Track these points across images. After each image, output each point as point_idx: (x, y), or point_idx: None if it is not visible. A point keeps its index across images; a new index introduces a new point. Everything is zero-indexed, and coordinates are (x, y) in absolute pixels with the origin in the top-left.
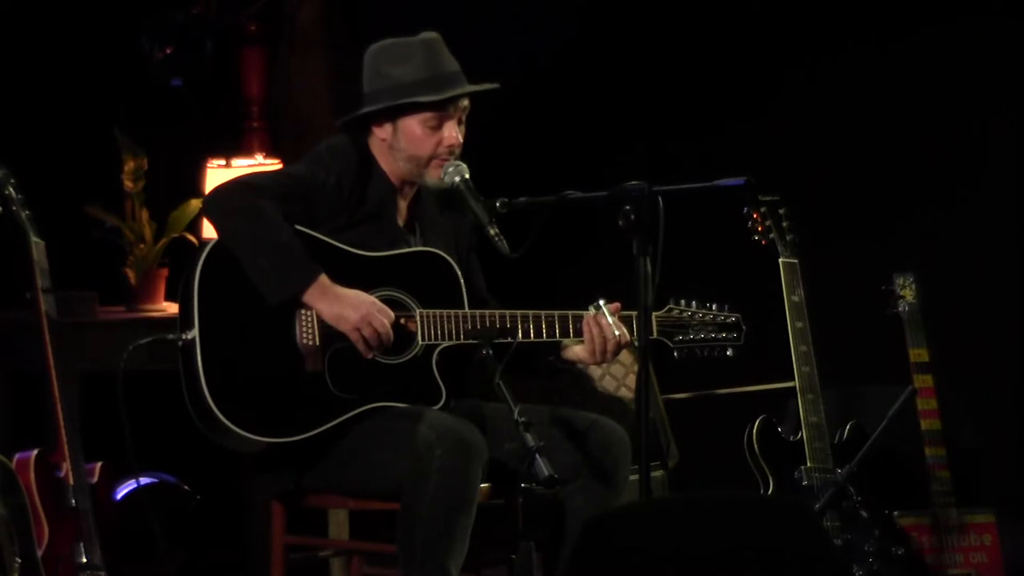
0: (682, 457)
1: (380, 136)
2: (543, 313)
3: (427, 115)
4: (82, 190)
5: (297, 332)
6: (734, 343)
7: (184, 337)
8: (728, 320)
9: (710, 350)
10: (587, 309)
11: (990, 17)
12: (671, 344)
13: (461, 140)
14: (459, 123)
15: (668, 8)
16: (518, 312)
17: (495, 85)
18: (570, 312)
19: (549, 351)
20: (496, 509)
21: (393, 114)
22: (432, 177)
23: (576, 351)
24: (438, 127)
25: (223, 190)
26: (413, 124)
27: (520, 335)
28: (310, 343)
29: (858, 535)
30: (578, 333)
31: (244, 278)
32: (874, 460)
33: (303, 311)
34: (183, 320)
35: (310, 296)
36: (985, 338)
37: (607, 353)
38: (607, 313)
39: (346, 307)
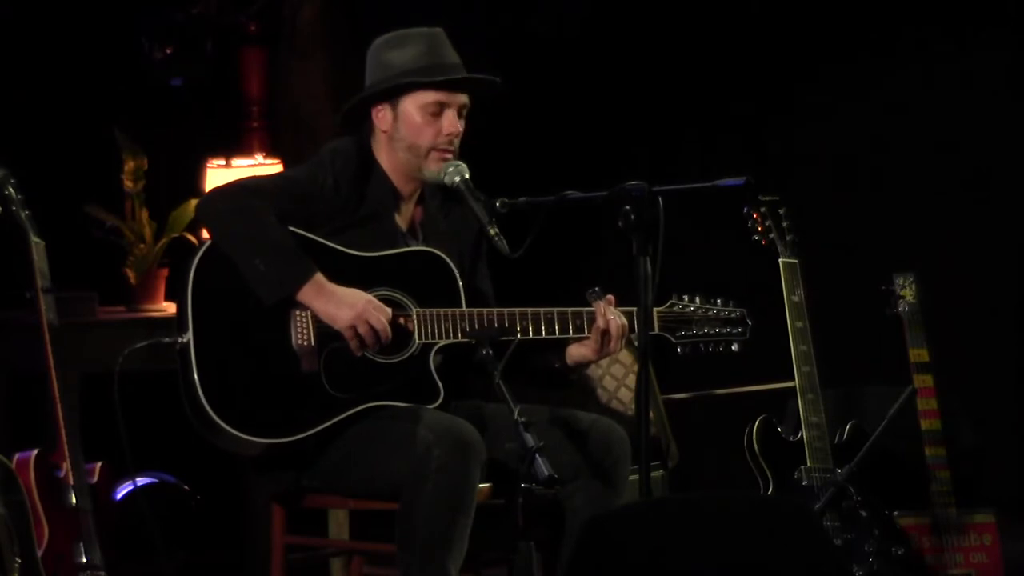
0: (682, 457)
1: (381, 127)
2: (541, 310)
3: (426, 100)
4: (82, 190)
5: (292, 333)
6: (739, 337)
7: (179, 341)
8: (733, 314)
9: (714, 345)
10: (587, 299)
11: (992, 19)
12: (673, 339)
13: (460, 130)
14: (459, 117)
15: (669, 8)
16: (516, 310)
17: (496, 79)
18: (569, 309)
19: (552, 356)
20: (496, 509)
21: (393, 98)
22: (431, 170)
23: (580, 351)
24: (438, 115)
25: (216, 194)
26: (412, 110)
27: (519, 333)
28: (305, 344)
29: (858, 535)
30: (578, 330)
31: (238, 280)
32: (874, 460)
33: (298, 312)
34: (178, 324)
35: (305, 294)
36: (985, 338)
37: (612, 341)
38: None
39: (341, 305)
